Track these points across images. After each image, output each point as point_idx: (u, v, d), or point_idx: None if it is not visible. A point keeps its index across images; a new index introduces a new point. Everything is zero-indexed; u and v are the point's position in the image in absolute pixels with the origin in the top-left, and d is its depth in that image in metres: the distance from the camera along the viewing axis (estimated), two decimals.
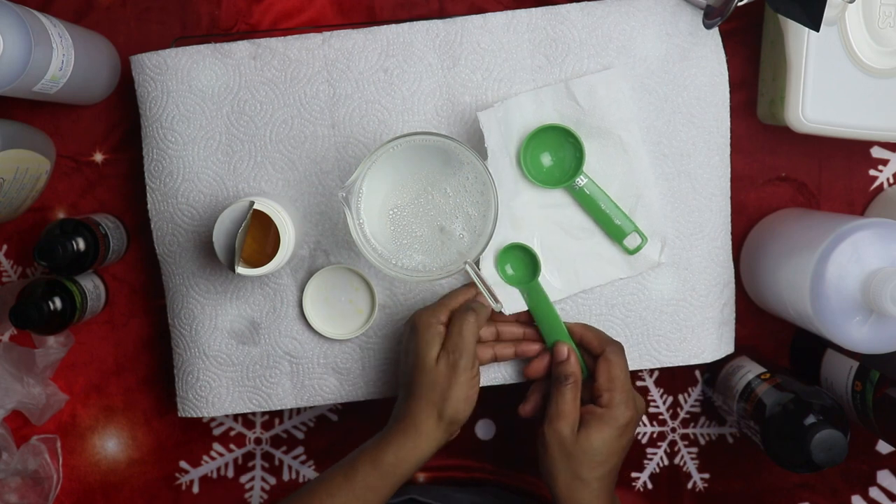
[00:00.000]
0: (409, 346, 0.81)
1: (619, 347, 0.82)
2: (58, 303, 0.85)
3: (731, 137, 0.89)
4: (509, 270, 0.86)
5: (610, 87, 0.84)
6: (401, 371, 0.83)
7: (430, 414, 0.78)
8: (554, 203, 0.86)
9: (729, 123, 0.88)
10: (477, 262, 0.82)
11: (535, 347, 0.86)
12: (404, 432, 0.78)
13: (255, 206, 0.78)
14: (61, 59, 0.78)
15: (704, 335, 0.88)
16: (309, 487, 0.79)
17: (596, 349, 0.82)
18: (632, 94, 0.86)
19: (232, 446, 0.96)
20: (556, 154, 0.85)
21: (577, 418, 0.79)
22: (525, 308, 0.86)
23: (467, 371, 0.79)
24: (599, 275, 0.86)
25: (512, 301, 0.86)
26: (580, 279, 0.86)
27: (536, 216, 0.86)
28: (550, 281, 0.86)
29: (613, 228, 0.85)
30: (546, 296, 0.85)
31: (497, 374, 0.88)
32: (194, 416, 0.89)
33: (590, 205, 0.85)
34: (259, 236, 0.81)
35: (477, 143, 0.87)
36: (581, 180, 0.85)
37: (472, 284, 0.85)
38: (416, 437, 0.78)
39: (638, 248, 0.86)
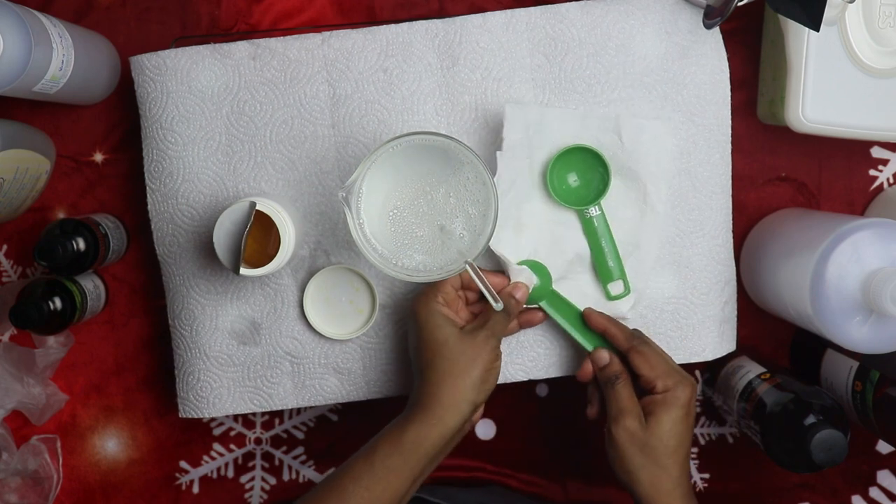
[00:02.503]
0: (415, 334, 0.81)
1: (642, 339, 0.83)
2: (58, 303, 0.85)
3: (732, 137, 0.89)
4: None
5: (657, 138, 0.85)
6: (413, 362, 0.82)
7: (450, 385, 0.77)
8: (561, 221, 0.86)
9: (730, 121, 0.88)
10: (486, 256, 0.82)
11: (539, 315, 0.86)
12: (425, 408, 0.77)
13: (257, 207, 0.78)
14: (61, 59, 0.78)
15: (705, 333, 0.88)
16: (335, 473, 0.78)
17: (622, 346, 0.83)
18: (678, 150, 0.86)
19: (232, 446, 0.96)
20: (583, 177, 0.86)
21: (640, 410, 0.80)
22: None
23: (496, 350, 0.80)
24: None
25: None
26: None
27: (541, 228, 0.86)
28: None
29: (604, 268, 0.86)
30: (567, 302, 0.85)
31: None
32: (195, 416, 0.89)
33: (592, 237, 0.85)
34: (259, 237, 0.81)
35: (477, 142, 0.87)
36: (594, 210, 0.85)
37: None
38: (438, 409, 0.77)
39: (618, 297, 0.86)
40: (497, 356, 0.80)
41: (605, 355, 0.83)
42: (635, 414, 0.79)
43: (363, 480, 0.76)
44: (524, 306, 0.84)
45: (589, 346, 0.85)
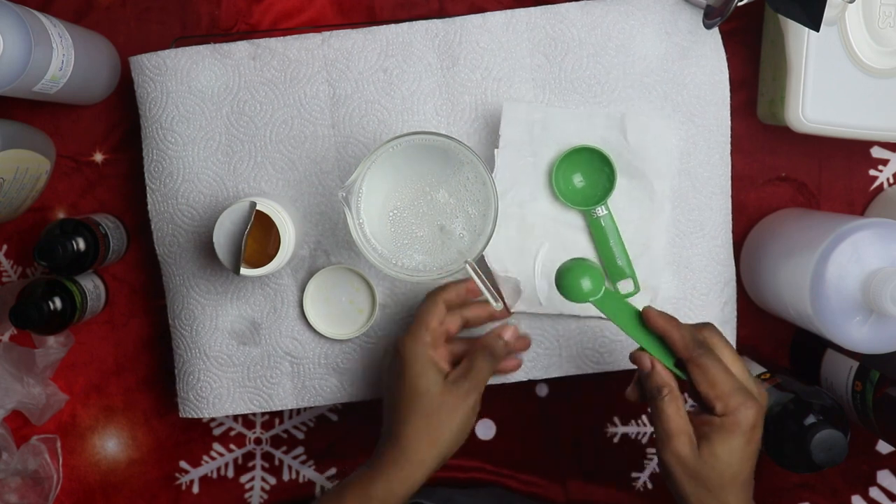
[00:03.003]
0: (397, 371, 0.78)
1: (706, 349, 0.71)
2: (58, 303, 0.85)
3: (731, 137, 0.89)
4: (585, 284, 0.76)
5: (661, 135, 0.85)
6: (386, 400, 0.79)
7: (425, 441, 0.75)
8: (566, 221, 0.86)
9: (729, 121, 0.88)
10: (477, 262, 0.82)
11: (515, 363, 0.84)
12: (395, 462, 0.75)
13: (257, 207, 0.78)
14: (61, 59, 0.78)
15: None
16: None
17: (682, 354, 0.72)
18: (679, 150, 0.86)
19: (232, 446, 0.96)
20: (588, 177, 0.86)
21: (691, 432, 0.70)
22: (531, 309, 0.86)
23: (476, 404, 0.77)
24: (582, 306, 0.86)
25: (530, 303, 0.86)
26: (563, 303, 0.86)
27: (547, 228, 0.86)
28: (538, 294, 0.86)
29: (613, 267, 0.85)
30: (622, 301, 0.76)
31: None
32: (195, 416, 0.89)
33: (600, 237, 0.85)
34: (259, 236, 0.81)
35: (477, 142, 0.87)
36: (601, 210, 0.85)
37: (438, 291, 0.81)
38: (408, 466, 0.75)
39: (628, 295, 0.86)
40: (475, 411, 0.77)
41: (645, 362, 0.73)
42: (685, 438, 0.70)
43: None
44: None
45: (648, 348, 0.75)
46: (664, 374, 0.72)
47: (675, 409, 0.71)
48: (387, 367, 0.81)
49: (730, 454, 0.69)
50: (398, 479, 0.74)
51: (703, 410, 0.71)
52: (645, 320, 0.74)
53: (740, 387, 0.70)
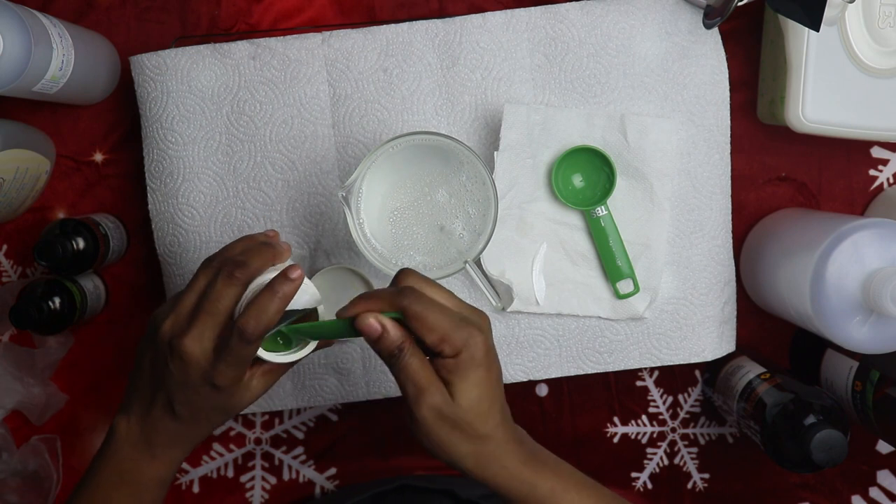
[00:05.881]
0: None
1: (411, 295, 0.66)
2: (58, 303, 0.85)
3: (731, 137, 0.89)
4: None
5: (661, 135, 0.85)
6: None
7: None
8: (566, 222, 0.86)
9: (729, 121, 0.88)
10: (477, 262, 0.82)
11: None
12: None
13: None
14: (61, 59, 0.78)
15: (705, 333, 0.88)
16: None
17: (392, 309, 0.66)
18: (679, 150, 0.86)
19: (232, 446, 0.96)
20: (588, 177, 0.86)
21: (439, 381, 0.66)
22: (533, 311, 0.86)
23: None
24: (581, 306, 0.86)
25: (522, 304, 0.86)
26: (561, 303, 0.86)
27: (546, 228, 0.86)
28: (536, 294, 0.86)
29: (613, 267, 0.86)
30: (325, 323, 0.69)
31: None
32: None
33: (600, 237, 0.85)
34: None
35: (477, 142, 0.87)
36: (601, 210, 0.85)
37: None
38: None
39: (627, 295, 0.86)
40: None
41: (373, 324, 0.66)
42: (436, 387, 0.66)
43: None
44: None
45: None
46: (396, 329, 0.66)
47: (419, 362, 0.66)
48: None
49: (476, 389, 0.66)
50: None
51: (436, 356, 0.67)
52: (349, 313, 0.67)
53: (458, 321, 0.66)
